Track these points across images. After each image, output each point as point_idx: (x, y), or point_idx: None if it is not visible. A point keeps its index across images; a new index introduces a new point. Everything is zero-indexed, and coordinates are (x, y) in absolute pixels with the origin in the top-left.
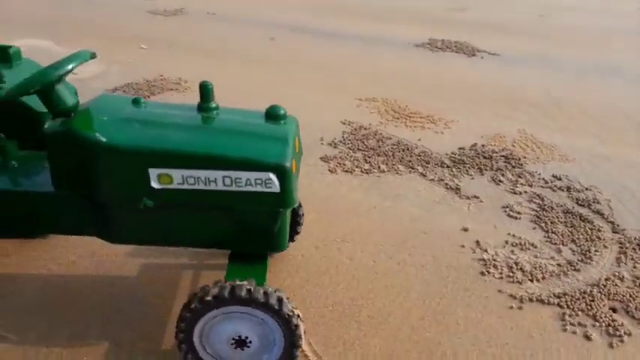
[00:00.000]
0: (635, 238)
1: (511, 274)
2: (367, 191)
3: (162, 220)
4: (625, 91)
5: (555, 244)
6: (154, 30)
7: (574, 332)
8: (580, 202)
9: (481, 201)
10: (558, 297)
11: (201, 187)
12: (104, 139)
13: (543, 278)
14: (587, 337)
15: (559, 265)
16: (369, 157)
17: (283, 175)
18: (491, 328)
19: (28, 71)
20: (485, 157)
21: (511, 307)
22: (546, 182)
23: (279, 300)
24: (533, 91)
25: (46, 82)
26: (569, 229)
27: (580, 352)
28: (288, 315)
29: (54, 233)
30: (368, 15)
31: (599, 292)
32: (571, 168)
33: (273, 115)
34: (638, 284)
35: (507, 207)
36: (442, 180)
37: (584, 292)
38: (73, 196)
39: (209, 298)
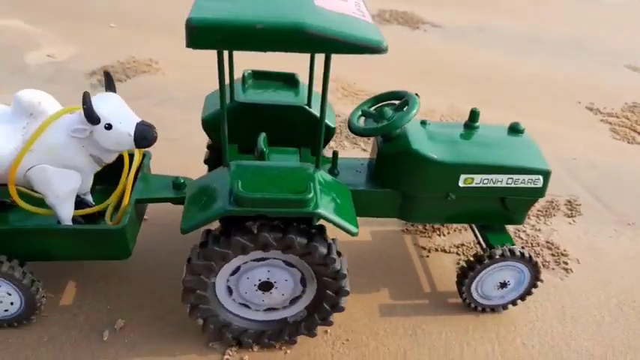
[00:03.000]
0: None
1: (424, 230)
2: None
3: (453, 207)
4: (547, 62)
5: None
6: (121, 6)
7: None
8: None
9: None
10: (457, 247)
11: (491, 185)
12: (435, 157)
13: (448, 233)
14: None
15: None
16: None
17: (547, 176)
18: (409, 271)
19: (305, 95)
20: None
21: (421, 256)
22: None
23: (530, 255)
24: (468, 65)
25: (400, 126)
26: None
27: None
28: (536, 263)
29: (363, 216)
30: None
31: None
32: None
33: (515, 129)
34: (517, 235)
35: None
36: None
37: (476, 242)
38: (390, 192)
39: (497, 256)
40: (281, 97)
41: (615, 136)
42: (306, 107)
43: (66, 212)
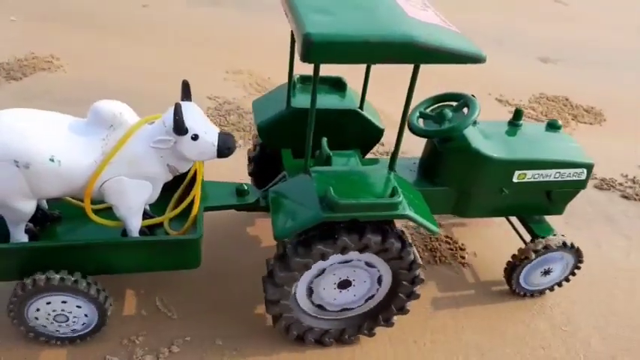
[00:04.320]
0: None
1: None
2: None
3: (504, 201)
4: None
5: None
6: None
7: None
8: None
9: None
10: None
11: (541, 179)
12: (494, 155)
13: None
14: None
15: None
16: None
17: (590, 169)
18: None
19: (354, 98)
20: None
21: None
22: None
23: (573, 244)
24: None
25: (461, 130)
26: None
27: None
28: (578, 250)
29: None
30: None
31: None
32: (393, 135)
33: (553, 126)
34: (417, 230)
35: None
36: None
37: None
38: (448, 190)
39: (541, 248)
40: (333, 101)
41: None
42: (360, 111)
43: (136, 224)
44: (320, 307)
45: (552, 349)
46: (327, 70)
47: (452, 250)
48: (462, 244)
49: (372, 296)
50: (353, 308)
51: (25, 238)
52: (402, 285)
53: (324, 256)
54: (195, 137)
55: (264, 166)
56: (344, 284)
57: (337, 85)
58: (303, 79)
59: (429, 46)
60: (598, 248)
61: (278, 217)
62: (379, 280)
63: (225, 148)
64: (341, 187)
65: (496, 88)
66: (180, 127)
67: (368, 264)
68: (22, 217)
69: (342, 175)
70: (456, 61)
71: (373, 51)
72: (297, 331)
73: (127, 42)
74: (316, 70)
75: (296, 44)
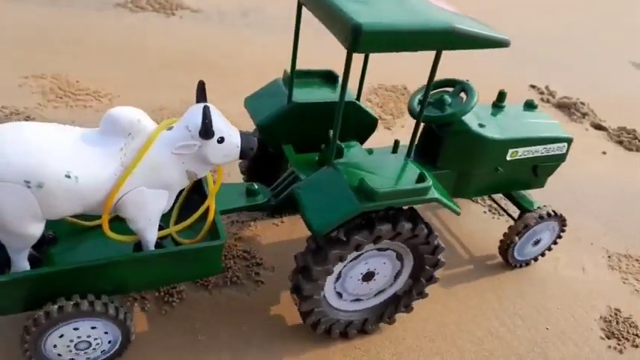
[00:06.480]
0: None
1: None
2: None
3: (498, 178)
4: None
5: None
6: None
7: (144, 309)
8: None
9: None
10: None
11: (530, 155)
12: (491, 136)
13: None
14: (144, 309)
15: None
16: None
17: (570, 143)
18: None
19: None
20: None
21: None
22: None
23: (557, 212)
24: (215, 52)
25: (463, 115)
26: None
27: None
28: (562, 216)
29: None
30: None
31: None
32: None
33: (531, 105)
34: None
35: None
36: None
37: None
38: (449, 172)
39: (537, 217)
40: (329, 94)
41: None
42: (357, 102)
43: (153, 236)
44: (357, 300)
45: None
46: (312, 63)
47: (248, 266)
48: (260, 259)
49: (400, 271)
50: (386, 289)
51: (27, 266)
52: (425, 269)
53: (358, 247)
54: (221, 140)
55: (260, 162)
56: (368, 276)
57: (329, 78)
58: (298, 74)
59: (467, 34)
60: None
61: (312, 211)
62: (399, 257)
63: (248, 149)
64: (372, 177)
65: None
66: (207, 131)
67: (380, 249)
68: (29, 242)
69: (367, 166)
70: (487, 46)
71: (417, 39)
72: (326, 325)
73: None
74: (349, 61)
75: (338, 34)
